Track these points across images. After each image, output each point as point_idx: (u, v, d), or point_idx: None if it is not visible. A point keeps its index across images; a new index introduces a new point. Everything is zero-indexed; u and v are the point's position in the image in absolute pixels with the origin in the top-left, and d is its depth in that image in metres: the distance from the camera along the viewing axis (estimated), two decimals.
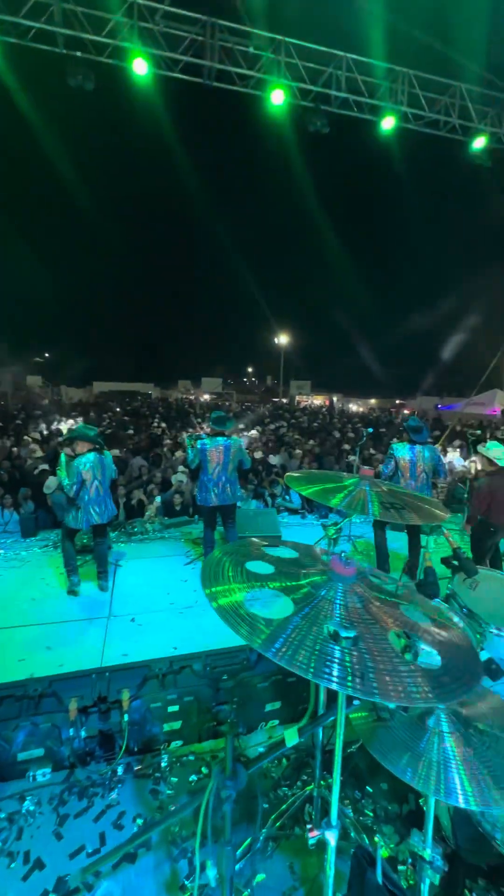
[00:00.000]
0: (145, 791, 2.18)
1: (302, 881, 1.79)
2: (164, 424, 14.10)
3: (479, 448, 3.96)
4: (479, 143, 8.26)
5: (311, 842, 1.19)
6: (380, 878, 1.30)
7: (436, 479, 4.19)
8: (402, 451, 3.99)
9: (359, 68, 7.41)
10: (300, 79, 7.25)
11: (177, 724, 2.38)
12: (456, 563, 1.70)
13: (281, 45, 6.95)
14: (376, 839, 1.97)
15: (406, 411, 26.79)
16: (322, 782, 1.94)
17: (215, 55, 6.54)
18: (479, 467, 4.10)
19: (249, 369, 55.29)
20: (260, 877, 1.81)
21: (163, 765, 2.29)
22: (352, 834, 1.94)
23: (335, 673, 0.72)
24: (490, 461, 3.78)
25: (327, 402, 29.33)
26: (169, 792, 2.18)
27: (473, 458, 6.02)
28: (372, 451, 9.58)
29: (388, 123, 7.67)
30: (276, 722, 2.63)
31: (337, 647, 0.77)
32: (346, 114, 7.70)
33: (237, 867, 1.83)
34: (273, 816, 1.91)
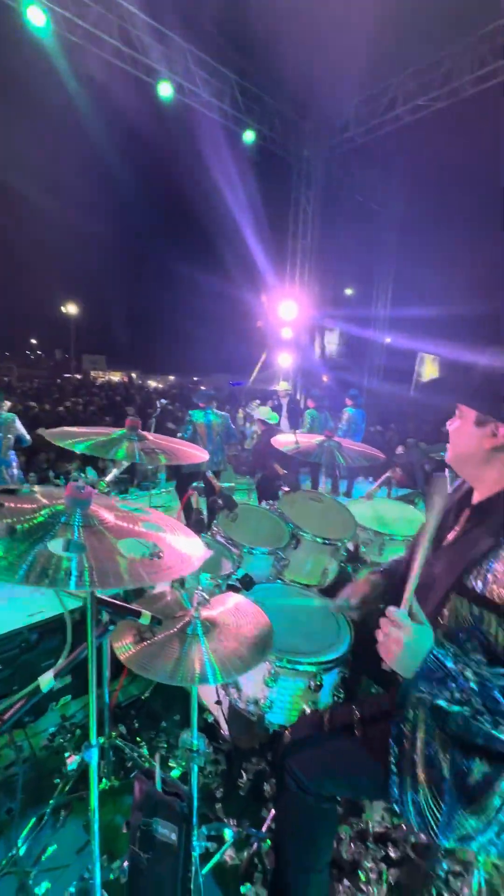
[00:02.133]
0: None
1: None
2: None
3: (253, 413, 4.79)
4: (248, 136, 9.07)
5: (70, 767, 1.21)
6: (159, 786, 1.43)
7: (229, 442, 4.78)
8: (199, 417, 4.43)
9: (133, 22, 7.05)
10: (64, 5, 6.45)
11: None
12: (220, 501, 1.94)
13: None
14: (171, 763, 2.14)
15: (203, 388, 28.35)
16: (112, 734, 1.98)
17: None
18: (257, 429, 4.88)
19: (33, 341, 48.60)
20: (51, 849, 1.75)
21: None
22: (158, 786, 2.05)
23: (71, 578, 0.75)
24: (262, 421, 4.62)
25: (125, 379, 28.48)
26: None
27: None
28: (170, 424, 9.83)
29: (164, 90, 7.62)
30: (69, 697, 2.53)
31: (71, 556, 0.80)
32: (119, 65, 7.28)
33: (24, 848, 1.73)
34: (60, 784, 1.86)
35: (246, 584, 1.66)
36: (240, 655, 1.14)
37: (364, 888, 1.60)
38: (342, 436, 5.31)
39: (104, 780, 1.95)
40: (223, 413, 4.77)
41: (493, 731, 0.90)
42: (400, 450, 7.49)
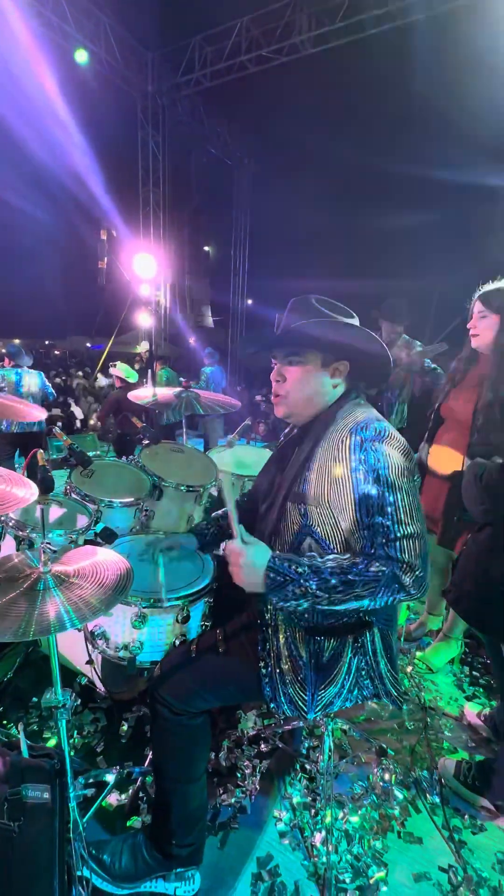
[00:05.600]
0: None
1: None
2: None
3: (110, 369, 4.68)
4: (81, 56, 7.99)
5: None
6: (25, 753, 1.36)
7: (47, 401, 4.97)
8: (9, 374, 4.35)
9: None
10: None
11: None
12: (71, 458, 1.81)
13: None
14: (46, 734, 2.06)
15: (56, 352, 25.57)
16: None
17: None
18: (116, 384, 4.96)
19: None
20: None
21: None
22: (25, 753, 1.94)
23: None
24: (120, 379, 4.56)
25: None
26: None
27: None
28: None
29: None
30: None
31: None
32: None
33: None
34: None
35: (106, 538, 1.62)
36: (98, 598, 1.12)
37: (241, 784, 1.80)
38: None
39: None
40: (36, 372, 4.73)
41: (331, 607, 1.08)
42: (259, 398, 8.01)
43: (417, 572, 1.05)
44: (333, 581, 1.05)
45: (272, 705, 1.29)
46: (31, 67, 7.53)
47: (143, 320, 10.60)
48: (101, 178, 9.41)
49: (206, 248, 17.24)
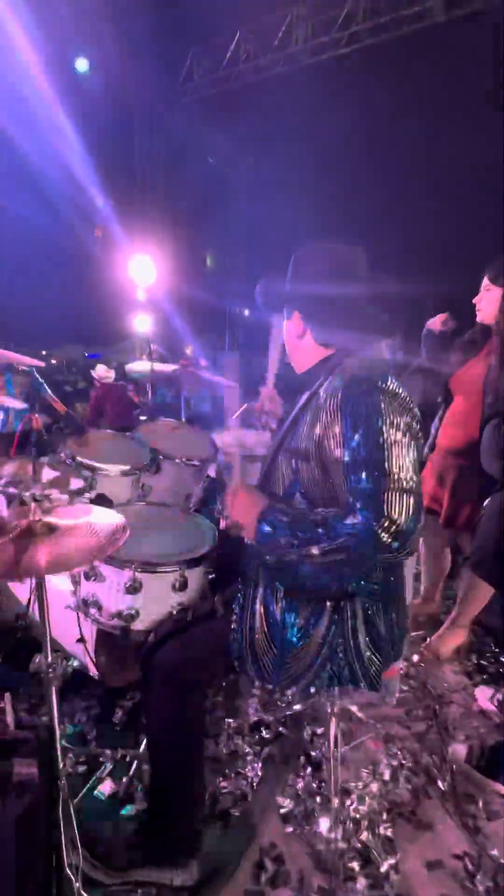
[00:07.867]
0: None
1: None
2: None
3: (91, 372, 4.83)
4: (82, 65, 8.13)
5: None
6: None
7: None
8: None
9: None
10: None
11: None
12: (65, 426, 1.75)
13: None
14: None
15: (53, 361, 25.56)
16: None
17: None
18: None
19: None
20: None
21: None
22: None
23: None
24: (100, 381, 4.72)
25: None
26: None
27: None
28: None
29: None
30: None
31: None
32: None
33: None
34: None
35: (101, 505, 1.54)
36: (90, 546, 1.05)
37: (242, 770, 1.71)
38: None
39: None
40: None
41: (312, 566, 1.00)
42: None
43: (401, 527, 0.94)
44: (312, 534, 1.00)
45: (236, 663, 1.21)
46: (28, 72, 7.60)
47: (141, 323, 10.56)
48: (98, 185, 9.47)
49: (205, 256, 17.36)
